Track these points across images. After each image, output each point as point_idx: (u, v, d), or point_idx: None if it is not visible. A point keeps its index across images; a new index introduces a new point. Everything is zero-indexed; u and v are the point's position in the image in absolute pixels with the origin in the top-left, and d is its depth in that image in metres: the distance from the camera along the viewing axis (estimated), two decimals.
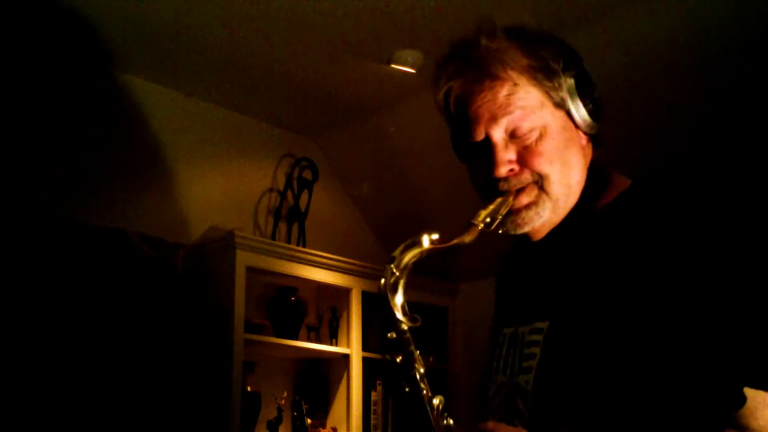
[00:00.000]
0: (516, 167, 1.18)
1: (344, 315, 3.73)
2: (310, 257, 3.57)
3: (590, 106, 1.20)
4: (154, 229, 3.33)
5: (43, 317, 2.94)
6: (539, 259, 1.26)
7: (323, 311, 3.77)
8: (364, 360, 3.70)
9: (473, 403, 1.33)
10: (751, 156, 3.03)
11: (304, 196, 3.80)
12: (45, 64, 3.13)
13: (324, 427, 3.65)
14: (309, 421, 3.53)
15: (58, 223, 3.05)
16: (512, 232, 1.21)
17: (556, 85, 1.19)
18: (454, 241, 1.14)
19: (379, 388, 3.83)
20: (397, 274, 1.13)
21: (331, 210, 4.09)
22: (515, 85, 1.17)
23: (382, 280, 1.13)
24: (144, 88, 3.44)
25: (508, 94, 1.17)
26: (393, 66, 3.27)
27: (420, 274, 4.25)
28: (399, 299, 1.13)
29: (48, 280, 2.98)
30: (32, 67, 3.10)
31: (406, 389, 1.11)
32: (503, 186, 1.18)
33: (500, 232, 1.19)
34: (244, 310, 3.27)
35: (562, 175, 1.19)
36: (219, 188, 3.66)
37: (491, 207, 1.16)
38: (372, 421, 3.78)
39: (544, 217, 1.19)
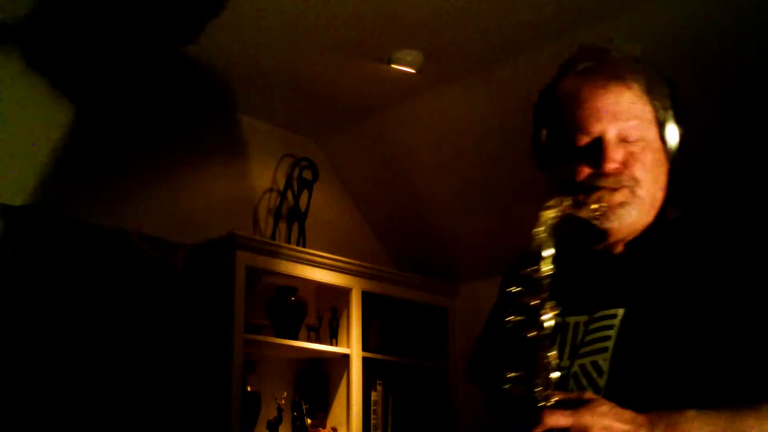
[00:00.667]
0: (620, 167, 1.30)
1: (344, 315, 3.73)
2: (310, 257, 3.57)
3: (681, 135, 1.36)
4: (154, 229, 3.33)
5: (43, 317, 2.94)
6: (592, 264, 1.38)
7: (323, 311, 3.77)
8: (364, 360, 3.70)
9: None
10: (754, 156, 3.03)
11: (304, 196, 3.80)
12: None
13: (324, 427, 3.65)
14: (309, 421, 3.53)
15: (59, 222, 3.05)
16: (600, 225, 1.31)
17: (665, 105, 1.33)
18: (581, 213, 1.26)
19: (379, 388, 3.83)
20: (550, 222, 1.23)
21: (331, 210, 4.09)
22: (638, 96, 1.31)
23: (535, 230, 1.23)
24: (144, 89, 3.45)
25: (631, 102, 1.30)
26: (393, 66, 3.27)
27: (420, 274, 4.21)
28: (548, 250, 1.22)
29: (48, 279, 2.98)
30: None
31: (531, 334, 1.18)
32: (602, 182, 1.29)
33: (594, 222, 1.30)
34: (244, 310, 3.27)
35: (651, 187, 1.32)
36: (219, 188, 3.66)
37: (597, 194, 1.27)
38: (372, 421, 3.78)
39: (632, 217, 1.31)
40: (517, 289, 1.22)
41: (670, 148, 1.35)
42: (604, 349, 1.27)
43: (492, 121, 3.49)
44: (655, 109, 1.32)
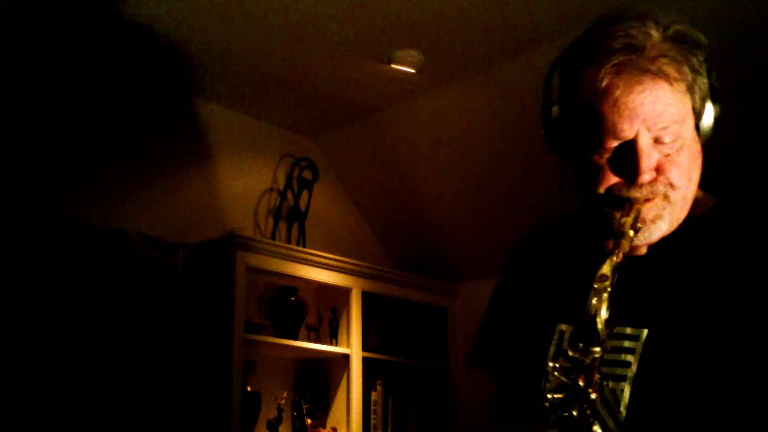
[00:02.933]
0: (654, 175, 1.13)
1: (344, 315, 3.72)
2: (310, 257, 3.57)
3: (717, 114, 1.19)
4: (154, 229, 3.33)
5: (43, 317, 2.94)
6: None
7: (323, 311, 3.77)
8: (364, 360, 3.70)
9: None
10: (754, 157, 3.03)
11: (304, 196, 3.80)
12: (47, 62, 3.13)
13: (324, 427, 3.64)
14: (309, 421, 3.53)
15: (58, 222, 3.05)
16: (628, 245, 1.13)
17: (703, 94, 1.17)
18: (620, 258, 1.07)
19: (379, 388, 3.83)
20: (607, 290, 1.05)
21: (331, 210, 4.09)
22: (675, 91, 1.12)
23: (593, 300, 1.04)
24: (144, 88, 3.45)
25: (668, 104, 1.11)
26: (393, 66, 3.27)
27: (420, 274, 4.20)
28: (603, 314, 1.04)
29: (48, 279, 2.98)
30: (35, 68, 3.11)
31: (574, 413, 1.04)
32: (634, 193, 1.13)
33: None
34: (244, 310, 3.27)
35: (687, 190, 1.17)
36: (219, 188, 3.66)
37: (633, 215, 1.11)
38: (372, 421, 3.78)
39: (662, 230, 1.16)
40: (560, 365, 1.04)
41: (706, 133, 1.19)
42: (623, 377, 1.12)
43: (492, 121, 3.49)
44: (694, 102, 1.15)
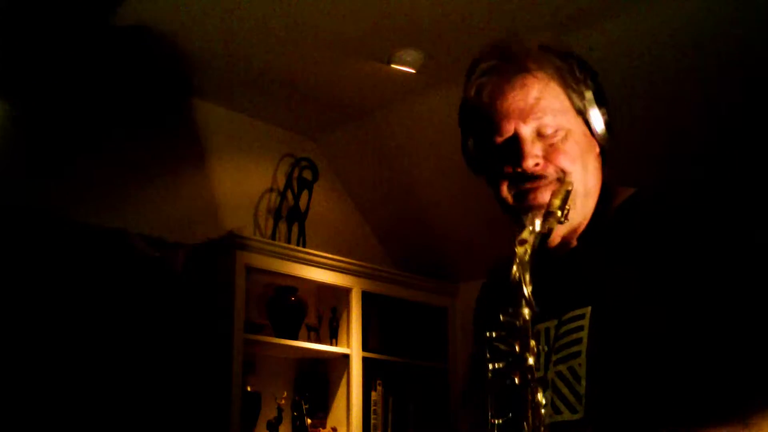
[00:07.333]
0: (541, 162, 1.24)
1: (344, 315, 3.72)
2: (310, 257, 3.57)
3: (606, 118, 1.28)
4: (154, 229, 3.34)
5: (43, 317, 2.94)
6: (552, 265, 1.28)
7: (323, 311, 3.77)
8: (364, 360, 3.70)
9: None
10: (754, 157, 3.03)
11: (304, 196, 3.80)
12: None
13: (324, 427, 3.65)
14: (309, 421, 3.53)
15: (58, 222, 3.05)
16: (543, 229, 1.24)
17: (580, 91, 1.26)
18: (545, 231, 1.16)
19: (379, 388, 3.83)
20: (528, 252, 1.11)
21: (331, 210, 4.09)
22: (546, 86, 1.24)
23: (514, 268, 1.10)
24: (144, 89, 3.45)
25: (538, 96, 1.24)
26: (393, 66, 3.27)
27: (420, 274, 4.19)
28: (526, 289, 1.10)
29: (48, 279, 2.98)
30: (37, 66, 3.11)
31: (516, 379, 1.09)
32: (528, 184, 1.24)
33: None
34: (244, 310, 3.27)
35: (582, 176, 1.25)
36: (219, 188, 3.66)
37: (560, 197, 1.19)
38: (372, 421, 3.78)
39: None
40: (496, 334, 1.11)
41: (599, 134, 1.28)
42: (578, 353, 1.21)
43: None
44: (570, 96, 1.25)
